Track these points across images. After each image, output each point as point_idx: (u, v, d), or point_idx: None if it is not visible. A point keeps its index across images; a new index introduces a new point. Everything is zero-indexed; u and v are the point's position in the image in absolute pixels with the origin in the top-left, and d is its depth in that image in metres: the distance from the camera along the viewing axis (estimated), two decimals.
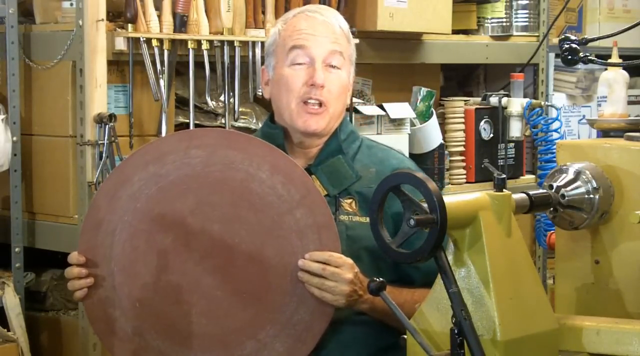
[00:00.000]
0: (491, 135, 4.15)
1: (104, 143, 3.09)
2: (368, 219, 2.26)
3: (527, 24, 4.39)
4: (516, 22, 4.36)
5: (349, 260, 2.27)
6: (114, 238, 2.31)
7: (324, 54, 2.41)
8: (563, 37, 2.46)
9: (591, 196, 2.22)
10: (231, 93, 3.42)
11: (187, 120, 3.36)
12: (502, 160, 4.18)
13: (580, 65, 3.60)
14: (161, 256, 2.30)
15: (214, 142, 2.33)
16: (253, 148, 2.32)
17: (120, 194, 2.32)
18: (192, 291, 2.29)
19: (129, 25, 3.17)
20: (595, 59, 2.46)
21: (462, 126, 4.10)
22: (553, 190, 2.20)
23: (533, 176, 4.34)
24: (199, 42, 3.29)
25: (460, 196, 1.97)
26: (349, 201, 2.41)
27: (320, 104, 2.40)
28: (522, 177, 4.32)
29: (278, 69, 2.45)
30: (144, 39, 3.17)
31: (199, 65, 3.34)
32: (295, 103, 2.41)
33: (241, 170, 2.30)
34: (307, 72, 2.40)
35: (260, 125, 3.55)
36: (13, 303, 3.19)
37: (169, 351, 2.30)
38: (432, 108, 3.93)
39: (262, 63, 3.43)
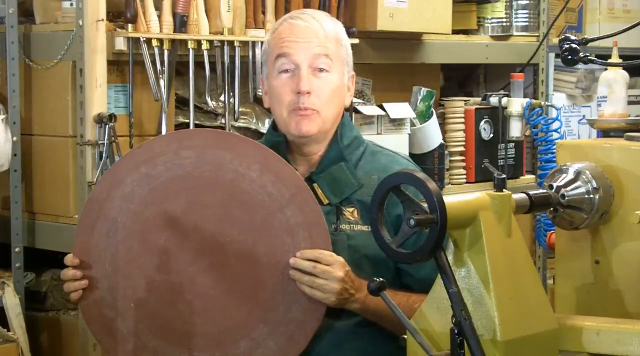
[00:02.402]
0: (491, 135, 4.15)
1: (104, 143, 3.09)
2: (370, 227, 2.26)
3: (527, 24, 4.39)
4: (516, 22, 4.36)
5: (340, 259, 2.26)
6: (108, 240, 2.32)
7: (308, 59, 2.39)
8: (563, 37, 2.46)
9: (591, 196, 2.22)
10: (231, 93, 3.42)
11: (187, 120, 3.36)
12: (502, 160, 4.18)
13: (580, 65, 3.60)
14: (155, 256, 2.31)
15: (204, 142, 2.33)
16: (243, 147, 2.32)
17: (113, 196, 2.33)
18: (186, 291, 2.30)
19: (129, 25, 3.17)
20: (595, 59, 2.46)
21: (462, 126, 4.10)
22: (553, 190, 2.20)
23: (533, 176, 4.34)
24: (199, 42, 3.29)
25: (460, 196, 1.97)
26: (350, 210, 2.39)
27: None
28: (522, 177, 4.32)
29: (270, 79, 2.44)
30: (144, 39, 3.17)
31: (199, 65, 3.34)
32: (287, 113, 2.40)
33: (231, 170, 2.30)
34: (293, 79, 2.39)
35: (260, 125, 3.55)
36: (13, 303, 3.19)
37: (165, 351, 2.31)
38: (432, 108, 3.93)
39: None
